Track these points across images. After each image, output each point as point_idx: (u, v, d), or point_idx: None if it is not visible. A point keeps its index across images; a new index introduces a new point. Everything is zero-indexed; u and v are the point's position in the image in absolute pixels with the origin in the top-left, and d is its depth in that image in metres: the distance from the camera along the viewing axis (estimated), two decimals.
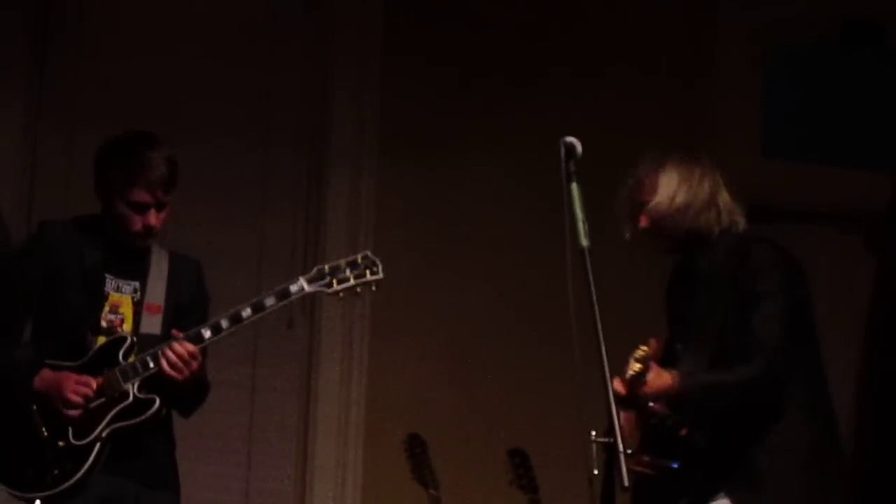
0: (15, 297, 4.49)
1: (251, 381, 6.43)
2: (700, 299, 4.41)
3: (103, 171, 4.50)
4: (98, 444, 4.36)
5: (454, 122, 6.60)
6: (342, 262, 4.54)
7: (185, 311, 4.56)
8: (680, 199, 4.41)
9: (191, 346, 4.38)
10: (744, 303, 4.31)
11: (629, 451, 3.66)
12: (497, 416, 6.43)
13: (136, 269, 4.54)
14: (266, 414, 6.46)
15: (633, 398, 4.31)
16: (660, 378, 4.28)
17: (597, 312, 3.76)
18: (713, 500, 4.31)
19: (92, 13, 6.44)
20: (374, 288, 4.54)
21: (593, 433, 3.76)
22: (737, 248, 4.41)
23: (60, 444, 4.35)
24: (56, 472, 4.34)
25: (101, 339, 4.45)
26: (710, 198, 4.45)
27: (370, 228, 6.53)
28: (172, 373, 4.37)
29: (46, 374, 4.38)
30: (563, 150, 3.97)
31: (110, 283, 4.49)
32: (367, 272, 4.51)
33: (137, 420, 4.39)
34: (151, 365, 4.38)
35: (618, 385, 4.26)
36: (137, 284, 4.53)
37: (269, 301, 4.46)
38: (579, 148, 3.98)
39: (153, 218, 4.45)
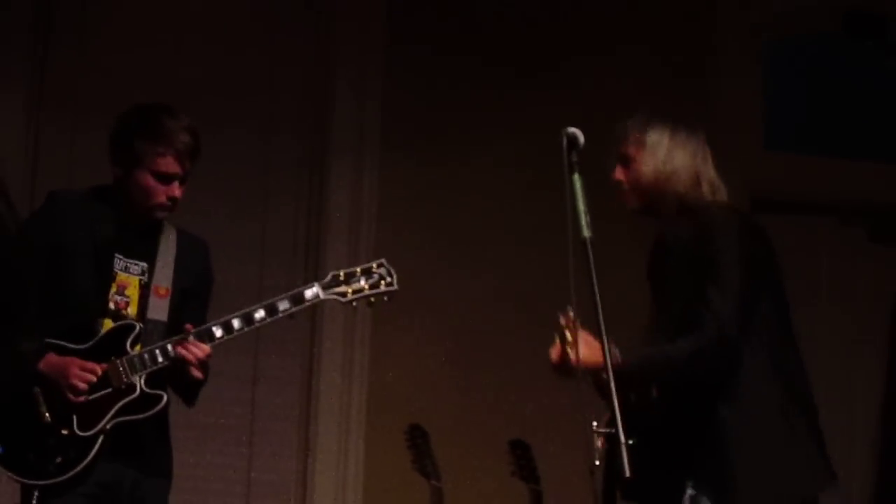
0: (22, 284, 4.43)
1: (253, 371, 6.44)
2: (666, 271, 4.26)
3: (127, 142, 4.44)
4: (102, 437, 4.35)
5: (456, 114, 6.60)
6: (357, 269, 4.54)
7: (189, 295, 4.54)
8: (663, 164, 4.28)
9: (207, 348, 4.38)
10: (700, 271, 4.16)
11: (630, 442, 3.66)
12: (498, 406, 6.44)
13: (145, 249, 4.50)
14: (267, 404, 6.46)
15: (573, 369, 4.06)
16: (590, 350, 4.02)
17: (598, 303, 3.77)
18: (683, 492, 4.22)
19: (94, 4, 6.44)
20: (386, 299, 4.56)
21: (595, 424, 3.77)
22: (695, 216, 4.26)
23: (64, 432, 4.33)
24: (59, 459, 4.32)
25: (107, 322, 4.42)
26: (695, 171, 4.31)
27: (372, 220, 6.53)
28: (200, 375, 4.38)
29: (52, 357, 4.35)
30: (565, 142, 3.97)
31: (118, 262, 4.45)
32: (382, 283, 4.53)
33: (144, 415, 4.39)
34: (160, 359, 4.37)
35: (555, 356, 4.13)
36: (146, 266, 4.49)
37: (283, 305, 4.46)
38: (581, 139, 3.99)
39: (177, 189, 4.43)
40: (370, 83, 6.61)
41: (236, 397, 6.38)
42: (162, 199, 4.43)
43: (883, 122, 7.04)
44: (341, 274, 4.52)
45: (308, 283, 4.55)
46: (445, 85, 6.61)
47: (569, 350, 4.06)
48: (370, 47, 6.62)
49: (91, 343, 4.40)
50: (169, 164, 4.41)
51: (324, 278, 4.53)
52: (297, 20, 6.61)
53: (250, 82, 6.54)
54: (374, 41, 6.62)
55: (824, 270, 7.14)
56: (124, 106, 4.62)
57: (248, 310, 4.45)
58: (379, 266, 4.53)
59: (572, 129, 3.96)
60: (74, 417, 4.34)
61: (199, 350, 4.36)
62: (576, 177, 3.91)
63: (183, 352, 4.36)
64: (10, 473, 4.35)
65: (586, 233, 3.82)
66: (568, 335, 4.06)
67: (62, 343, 4.38)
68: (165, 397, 4.43)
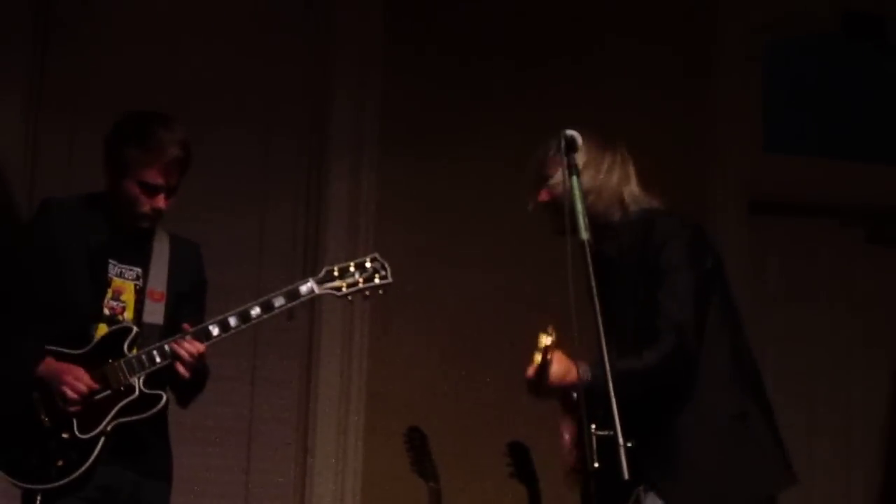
0: (16, 292, 4.43)
1: (251, 373, 6.43)
2: (612, 284, 4.19)
3: (117, 149, 4.45)
4: (103, 439, 4.35)
5: (454, 113, 6.59)
6: (351, 263, 4.56)
7: (185, 299, 4.56)
8: (591, 180, 4.24)
9: (201, 346, 4.38)
10: (651, 280, 4.18)
11: (629, 444, 3.66)
12: (497, 408, 6.42)
13: (138, 255, 4.51)
14: (266, 406, 6.46)
15: (546, 389, 4.15)
16: (563, 368, 4.11)
17: (597, 304, 3.77)
18: (639, 495, 4.19)
19: (93, 5, 6.44)
20: (381, 292, 4.57)
21: (593, 426, 3.76)
22: (642, 226, 4.27)
23: (65, 435, 4.33)
24: (60, 463, 4.32)
25: (102, 327, 4.43)
26: (614, 188, 4.31)
27: (371, 220, 6.53)
28: (186, 373, 4.38)
29: (50, 362, 4.36)
30: (563, 144, 3.97)
31: (113, 268, 4.47)
32: (376, 276, 4.54)
33: (144, 416, 4.39)
34: (158, 360, 4.38)
35: (531, 373, 4.15)
36: (140, 271, 4.50)
37: (279, 301, 4.48)
38: (580, 141, 3.99)
39: (162, 201, 4.43)
40: (369, 83, 6.60)
41: (236, 399, 6.37)
42: (146, 209, 4.43)
43: (882, 124, 7.04)
44: (335, 269, 4.55)
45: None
46: (444, 85, 6.61)
47: (544, 369, 4.09)
48: (369, 47, 6.62)
49: (88, 347, 4.41)
50: (154, 176, 4.40)
51: (318, 273, 4.54)
52: (295, 22, 6.61)
53: (249, 82, 6.54)
54: (372, 41, 6.62)
55: (824, 272, 7.14)
56: (123, 107, 4.61)
57: (244, 307, 4.45)
58: (373, 260, 4.56)
59: (571, 131, 3.96)
60: (75, 420, 4.34)
61: (192, 346, 4.37)
62: (574, 178, 3.91)
63: (176, 347, 4.37)
64: (12, 480, 4.35)
65: (585, 234, 3.82)
66: (538, 357, 4.09)
67: (60, 349, 4.39)
68: (165, 397, 4.43)
